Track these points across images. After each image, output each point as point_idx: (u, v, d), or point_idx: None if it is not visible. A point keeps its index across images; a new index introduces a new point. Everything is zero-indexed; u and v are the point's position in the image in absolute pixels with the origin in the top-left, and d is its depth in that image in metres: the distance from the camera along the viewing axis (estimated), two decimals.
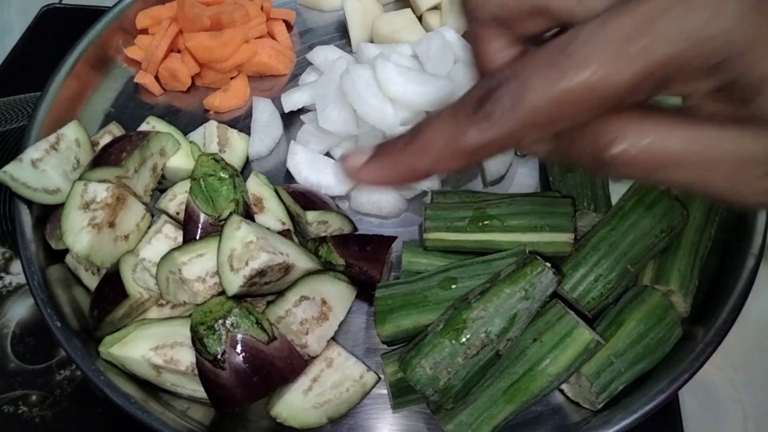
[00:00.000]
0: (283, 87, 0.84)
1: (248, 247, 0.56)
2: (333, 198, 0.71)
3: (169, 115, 0.81)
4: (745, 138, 0.27)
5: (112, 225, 0.60)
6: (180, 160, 0.68)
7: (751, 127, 0.27)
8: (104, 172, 0.60)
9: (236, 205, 0.60)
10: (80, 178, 0.61)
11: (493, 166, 0.73)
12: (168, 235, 0.62)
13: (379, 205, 0.70)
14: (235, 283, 0.54)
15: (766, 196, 0.29)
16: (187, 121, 0.80)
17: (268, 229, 0.61)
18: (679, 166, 0.27)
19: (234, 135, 0.74)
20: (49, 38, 1.00)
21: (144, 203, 0.64)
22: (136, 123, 0.79)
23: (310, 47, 0.88)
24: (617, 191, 0.65)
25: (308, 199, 0.65)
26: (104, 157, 0.60)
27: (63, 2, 1.06)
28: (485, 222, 0.59)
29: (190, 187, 0.60)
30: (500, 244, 0.59)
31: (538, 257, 0.52)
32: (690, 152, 0.27)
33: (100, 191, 0.60)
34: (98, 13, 0.84)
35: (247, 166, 0.76)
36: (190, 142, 0.70)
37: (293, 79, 0.84)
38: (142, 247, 0.61)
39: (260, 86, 0.84)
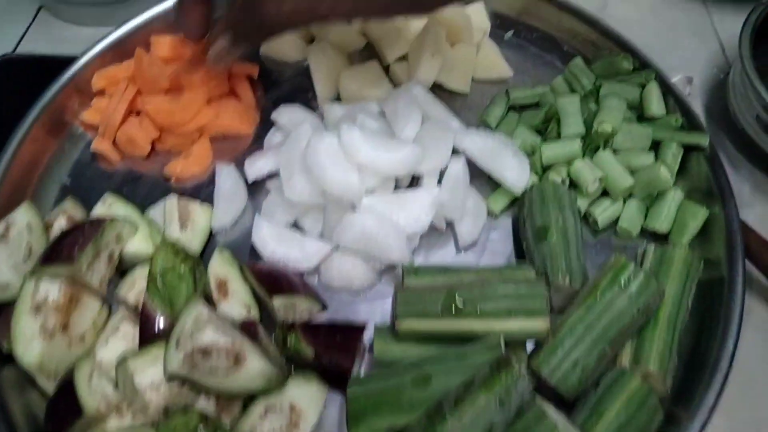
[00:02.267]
0: (248, 147, 0.81)
1: (197, 322, 0.53)
2: (301, 274, 0.69)
3: (129, 185, 0.77)
4: None
5: (65, 328, 0.57)
6: (138, 244, 0.65)
7: None
8: (56, 269, 0.57)
9: None
10: (31, 274, 0.58)
11: (466, 232, 0.71)
12: (126, 334, 0.59)
13: (350, 280, 0.68)
14: (174, 359, 0.52)
15: None
16: (147, 191, 0.77)
17: (232, 321, 0.58)
18: None
19: (196, 208, 0.71)
20: (4, 91, 0.96)
21: (100, 296, 0.61)
22: (93, 196, 0.75)
23: (275, 103, 0.85)
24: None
25: (274, 283, 0.63)
26: (55, 253, 0.57)
27: (17, 52, 1.01)
28: (458, 308, 0.57)
29: (147, 285, 0.57)
30: (474, 332, 0.57)
31: (513, 359, 0.50)
32: None
33: (52, 291, 0.57)
34: (56, 62, 0.81)
35: (210, 239, 0.73)
36: (149, 221, 0.67)
37: (258, 140, 0.81)
38: (99, 347, 0.58)
39: (223, 147, 0.81)
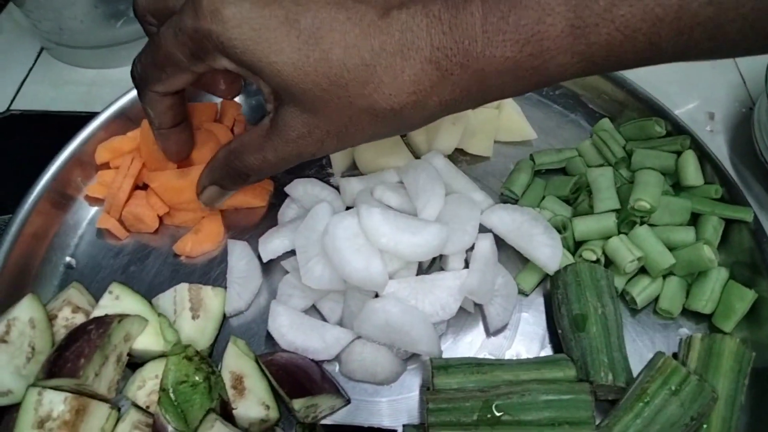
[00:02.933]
0: (261, 220, 0.77)
1: None
2: (322, 362, 0.64)
3: (137, 263, 0.73)
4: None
5: None
6: (147, 340, 0.61)
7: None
8: (60, 382, 0.53)
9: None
10: (34, 384, 0.54)
11: (496, 315, 0.66)
12: None
13: (373, 371, 0.64)
14: None
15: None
16: (156, 269, 0.73)
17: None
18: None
19: (208, 293, 0.67)
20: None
21: (108, 400, 0.57)
22: (99, 277, 0.72)
23: (288, 171, 0.81)
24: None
25: (293, 383, 0.58)
26: (59, 365, 0.53)
27: (20, 94, 0.98)
28: (496, 417, 0.52)
29: (159, 398, 0.53)
30: None
31: None
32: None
33: (56, 403, 0.53)
34: (53, 118, 0.77)
35: (224, 322, 0.68)
36: (159, 315, 0.63)
37: (272, 211, 0.77)
38: None
39: (235, 220, 0.77)
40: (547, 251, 0.67)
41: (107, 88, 0.95)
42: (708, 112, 0.88)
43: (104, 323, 0.57)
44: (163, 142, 0.69)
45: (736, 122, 0.87)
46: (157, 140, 0.69)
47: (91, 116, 0.79)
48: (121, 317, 0.58)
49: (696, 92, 0.89)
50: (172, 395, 0.53)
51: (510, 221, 0.69)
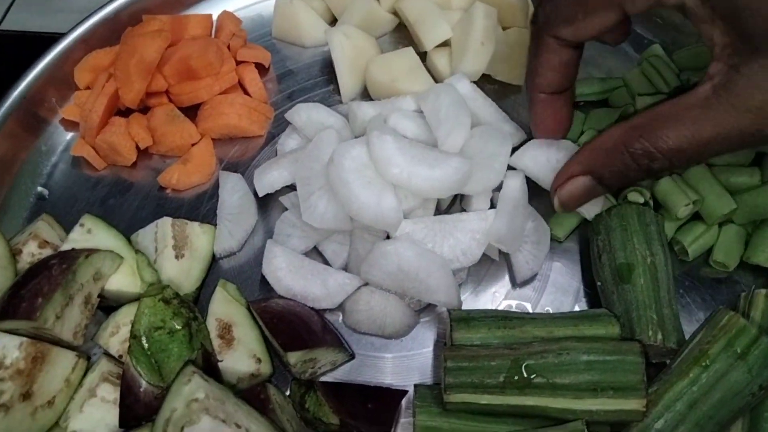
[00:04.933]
0: (258, 152, 0.68)
1: (190, 407, 0.41)
2: (323, 311, 0.56)
3: (116, 196, 0.65)
4: None
5: (26, 397, 0.45)
6: (122, 279, 0.53)
7: None
8: (15, 324, 0.45)
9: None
10: None
11: (525, 263, 0.58)
12: (105, 400, 0.47)
13: (381, 323, 0.55)
14: None
15: None
16: (138, 204, 0.65)
17: (235, 388, 0.46)
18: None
19: (195, 230, 0.59)
20: None
21: (75, 347, 0.49)
22: (74, 210, 0.64)
23: (291, 97, 0.72)
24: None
25: (289, 334, 0.50)
26: (13, 305, 0.45)
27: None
28: (526, 380, 0.44)
29: (129, 348, 0.45)
30: (547, 411, 0.44)
31: None
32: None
33: (10, 348, 0.45)
34: (39, 40, 0.68)
35: (213, 265, 0.60)
36: (137, 252, 0.55)
37: (270, 143, 0.68)
38: (72, 416, 0.46)
39: (229, 151, 0.68)
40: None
41: None
42: None
43: (69, 258, 0.48)
44: (541, 110, 0.56)
45: None
46: (533, 107, 0.56)
47: None
48: (90, 252, 0.50)
49: None
50: (144, 343, 0.45)
51: (545, 161, 0.59)
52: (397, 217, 0.53)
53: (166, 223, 0.57)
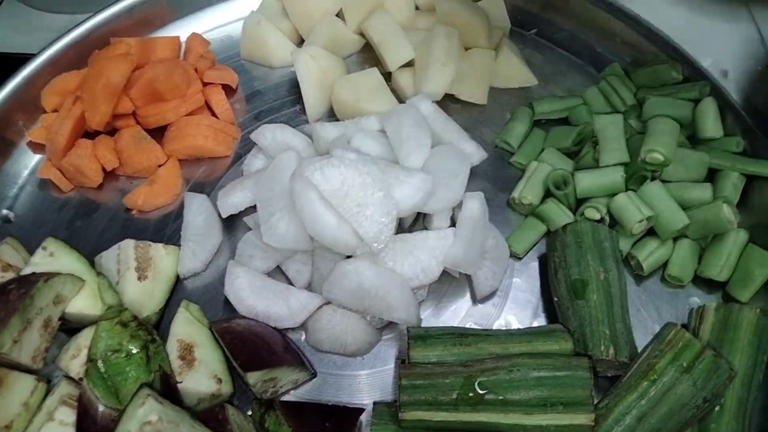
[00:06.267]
0: (225, 171, 0.68)
1: (143, 430, 0.41)
2: (286, 330, 0.57)
3: (82, 218, 0.65)
4: None
5: None
6: (83, 303, 0.53)
7: None
8: None
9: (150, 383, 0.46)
10: None
11: (485, 280, 0.59)
12: (64, 421, 0.47)
13: (343, 341, 0.56)
14: None
15: None
16: (104, 225, 0.65)
17: (191, 411, 0.47)
18: None
19: (159, 251, 0.59)
20: None
21: (35, 371, 0.49)
22: (39, 233, 0.63)
23: (257, 116, 0.73)
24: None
25: (250, 354, 0.51)
26: None
27: None
28: (479, 396, 0.45)
29: (86, 371, 0.45)
30: (499, 427, 0.45)
31: None
32: None
33: None
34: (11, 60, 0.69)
35: (177, 284, 0.60)
36: (99, 274, 0.55)
37: (237, 161, 0.69)
38: None
39: (195, 172, 0.68)
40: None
41: None
42: (722, 70, 0.79)
43: (27, 282, 0.49)
44: None
45: (752, 80, 0.78)
46: None
47: None
48: (50, 276, 0.50)
49: (709, 46, 0.80)
50: (101, 366, 0.45)
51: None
52: (355, 242, 0.53)
53: (128, 245, 0.57)
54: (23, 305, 0.47)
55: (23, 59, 0.71)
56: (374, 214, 0.53)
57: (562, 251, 0.56)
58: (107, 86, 0.64)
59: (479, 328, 0.57)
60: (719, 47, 0.81)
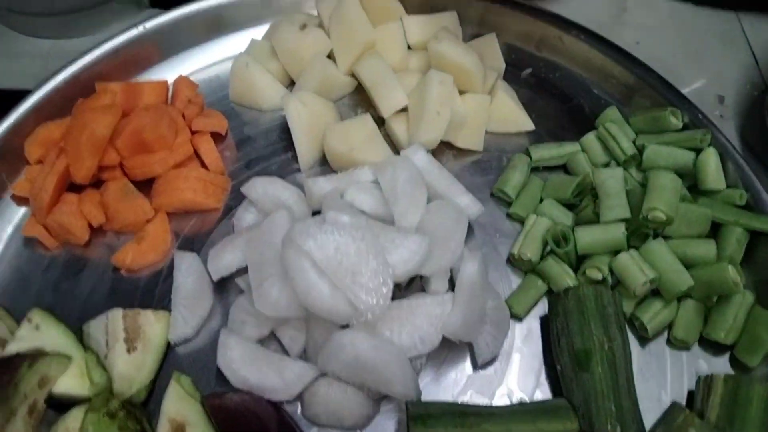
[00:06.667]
0: (215, 225, 0.66)
1: None
2: (280, 403, 0.55)
3: (69, 279, 0.63)
4: None
5: None
6: (70, 382, 0.51)
7: None
8: None
9: None
10: None
11: (485, 346, 0.57)
12: None
13: (340, 415, 0.54)
14: None
15: None
16: (92, 285, 0.63)
17: None
18: None
19: (148, 319, 0.57)
20: None
21: None
22: (26, 297, 0.62)
23: (248, 165, 0.71)
24: None
25: None
26: None
27: None
28: None
29: None
30: None
31: None
32: None
33: None
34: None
35: (168, 352, 0.59)
36: (87, 349, 0.53)
37: (228, 213, 0.67)
38: None
39: (185, 226, 0.66)
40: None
41: (63, 61, 0.82)
42: (718, 95, 0.78)
43: (10, 368, 0.47)
44: None
45: (748, 107, 0.77)
46: None
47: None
48: (34, 358, 0.48)
49: (704, 70, 0.79)
50: None
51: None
52: (352, 310, 0.52)
53: (116, 316, 0.55)
54: (7, 395, 0.45)
55: (7, 95, 0.68)
56: (369, 283, 0.52)
57: (565, 317, 0.55)
58: (92, 139, 0.62)
59: (481, 398, 0.56)
60: (715, 71, 0.80)
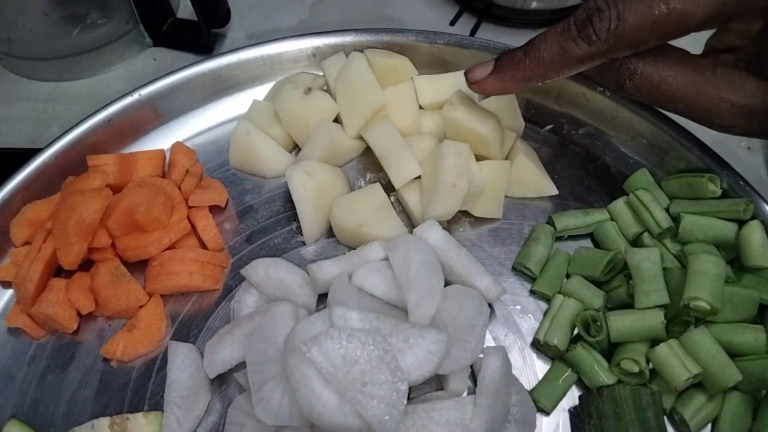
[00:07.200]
0: (214, 307, 0.62)
1: None
2: None
3: (56, 371, 0.58)
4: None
5: None
6: None
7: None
8: None
9: None
10: None
11: None
12: None
13: None
14: None
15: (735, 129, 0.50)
16: (81, 376, 0.58)
17: None
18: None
19: (138, 423, 0.53)
20: None
21: None
22: (9, 392, 0.57)
23: (249, 239, 0.66)
24: None
25: None
26: None
27: None
28: None
29: None
30: None
31: None
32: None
33: None
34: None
35: None
36: None
37: (228, 295, 0.62)
38: None
39: (182, 309, 0.62)
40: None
41: (66, 104, 0.79)
42: (745, 147, 0.73)
43: None
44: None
45: None
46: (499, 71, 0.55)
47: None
48: None
49: None
50: None
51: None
52: (362, 424, 0.46)
53: (103, 425, 0.51)
54: None
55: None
56: (381, 393, 0.46)
57: (599, 421, 0.49)
58: (80, 224, 0.58)
59: None
60: None
